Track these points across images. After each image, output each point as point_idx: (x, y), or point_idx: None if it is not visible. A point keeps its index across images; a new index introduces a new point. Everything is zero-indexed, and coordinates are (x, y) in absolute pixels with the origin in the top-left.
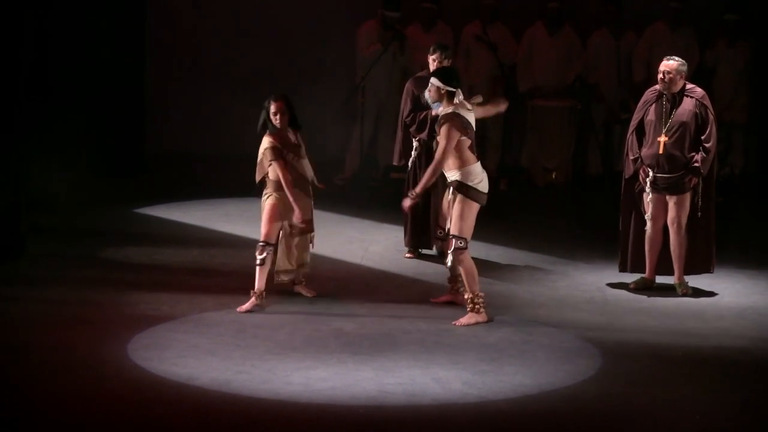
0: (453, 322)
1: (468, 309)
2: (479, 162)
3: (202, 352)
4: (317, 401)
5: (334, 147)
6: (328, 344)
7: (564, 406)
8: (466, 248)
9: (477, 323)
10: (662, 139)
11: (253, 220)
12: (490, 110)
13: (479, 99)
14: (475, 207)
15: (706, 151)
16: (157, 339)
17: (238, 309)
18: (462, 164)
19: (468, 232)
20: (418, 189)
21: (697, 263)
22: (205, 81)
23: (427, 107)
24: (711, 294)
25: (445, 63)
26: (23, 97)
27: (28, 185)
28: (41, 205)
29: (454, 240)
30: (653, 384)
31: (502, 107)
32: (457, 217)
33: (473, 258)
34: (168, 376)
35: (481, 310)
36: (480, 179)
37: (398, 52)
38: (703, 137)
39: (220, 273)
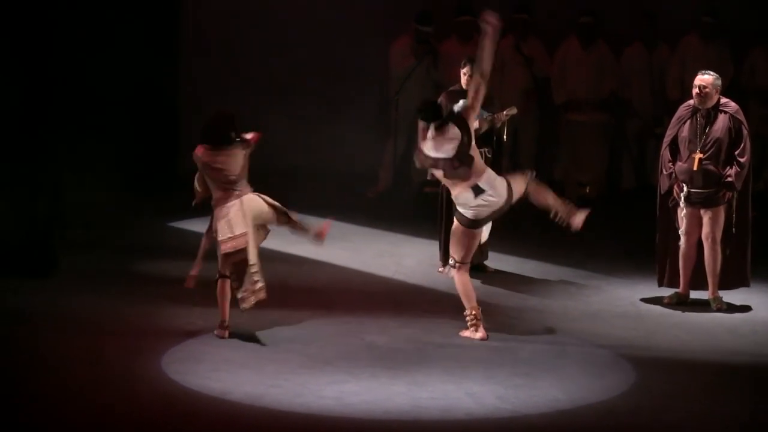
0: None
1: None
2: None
3: (236, 366)
4: (350, 415)
5: (366, 161)
6: (361, 358)
7: (597, 420)
8: (453, 266)
9: (475, 339)
10: (697, 155)
11: (286, 234)
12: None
13: (514, 111)
14: (458, 228)
15: (741, 165)
16: (190, 353)
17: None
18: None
19: (457, 252)
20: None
21: (731, 278)
22: (242, 93)
23: None
24: (745, 309)
25: None
26: (56, 112)
27: (61, 200)
28: (74, 219)
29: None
30: (687, 399)
31: None
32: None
33: (503, 272)
34: (202, 389)
35: (477, 326)
36: (462, 201)
37: (431, 66)
38: (737, 152)
39: None
